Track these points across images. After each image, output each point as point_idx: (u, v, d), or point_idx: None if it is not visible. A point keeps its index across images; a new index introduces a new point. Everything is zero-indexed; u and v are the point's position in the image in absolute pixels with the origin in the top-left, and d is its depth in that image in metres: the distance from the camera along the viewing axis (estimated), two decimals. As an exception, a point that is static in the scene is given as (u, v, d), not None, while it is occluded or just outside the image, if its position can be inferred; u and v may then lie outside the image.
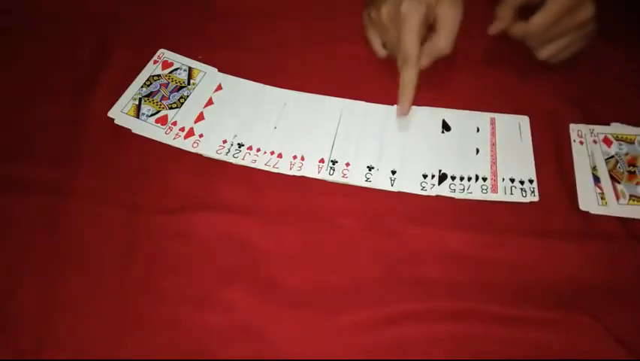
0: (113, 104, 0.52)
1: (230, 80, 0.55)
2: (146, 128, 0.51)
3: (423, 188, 0.48)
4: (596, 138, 0.51)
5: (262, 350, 0.40)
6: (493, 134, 0.51)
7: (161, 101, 0.53)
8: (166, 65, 0.56)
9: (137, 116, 0.52)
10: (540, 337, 0.40)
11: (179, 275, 0.43)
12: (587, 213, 0.46)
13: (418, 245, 0.45)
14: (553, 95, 0.54)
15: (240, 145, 0.50)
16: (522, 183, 0.48)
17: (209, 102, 0.53)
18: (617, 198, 0.47)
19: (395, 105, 0.51)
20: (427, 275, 0.43)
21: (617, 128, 0.51)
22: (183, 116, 0.52)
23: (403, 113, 0.50)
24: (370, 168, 0.49)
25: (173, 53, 0.57)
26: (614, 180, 0.48)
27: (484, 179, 0.48)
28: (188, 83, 0.54)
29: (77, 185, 0.47)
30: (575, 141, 0.51)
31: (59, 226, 0.45)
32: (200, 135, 0.51)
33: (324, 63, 0.56)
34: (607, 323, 0.40)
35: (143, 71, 0.55)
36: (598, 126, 0.51)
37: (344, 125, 0.52)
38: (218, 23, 0.59)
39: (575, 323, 0.40)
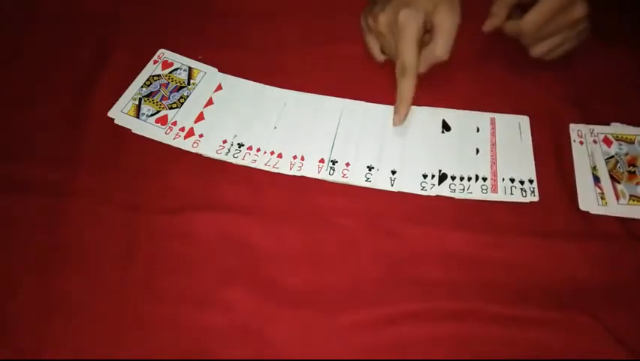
0: (113, 104, 0.52)
1: (230, 80, 0.55)
2: (146, 128, 0.51)
3: (423, 188, 0.48)
4: (596, 138, 0.51)
5: (262, 350, 0.40)
6: (493, 134, 0.51)
7: (161, 101, 0.53)
8: (166, 65, 0.56)
9: (137, 116, 0.52)
10: (540, 337, 0.40)
11: (179, 275, 0.43)
12: (587, 213, 0.46)
13: (418, 245, 0.45)
14: (553, 95, 0.54)
15: (240, 145, 0.50)
16: (522, 183, 0.48)
17: (209, 102, 0.53)
18: (617, 198, 0.47)
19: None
20: (427, 275, 0.43)
21: (617, 128, 0.51)
22: (183, 116, 0.52)
23: (399, 122, 0.50)
24: (370, 168, 0.49)
25: (173, 53, 0.57)
26: (614, 180, 0.48)
27: (484, 179, 0.48)
28: (188, 83, 0.54)
29: (77, 185, 0.47)
30: (575, 141, 0.51)
31: (59, 225, 0.45)
32: (200, 135, 0.51)
33: (324, 63, 0.56)
34: (607, 323, 0.40)
35: (143, 71, 0.55)
36: (598, 126, 0.51)
37: (344, 125, 0.52)
38: (218, 23, 0.59)
39: (575, 323, 0.40)
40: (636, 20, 0.55)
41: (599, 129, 0.51)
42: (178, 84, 0.54)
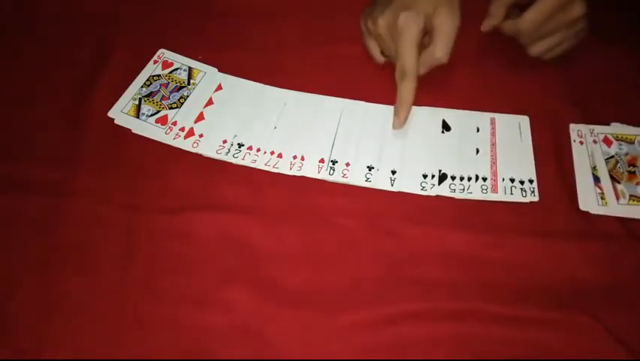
0: (113, 104, 0.52)
1: (230, 80, 0.55)
2: (146, 128, 0.51)
3: (423, 188, 0.48)
4: (596, 138, 0.51)
5: (262, 350, 0.40)
6: (493, 134, 0.51)
7: (161, 101, 0.53)
8: (166, 65, 0.56)
9: (137, 116, 0.52)
10: (540, 337, 0.40)
11: (179, 275, 0.43)
12: (587, 213, 0.46)
13: (418, 245, 0.45)
14: (553, 95, 0.54)
15: (240, 145, 0.50)
16: (522, 183, 0.48)
17: (209, 102, 0.53)
18: (617, 198, 0.47)
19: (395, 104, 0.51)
20: (427, 275, 0.43)
21: (617, 128, 0.51)
22: (183, 116, 0.52)
23: (400, 126, 0.50)
24: (370, 168, 0.49)
25: (173, 53, 0.57)
26: (614, 180, 0.48)
27: (484, 179, 0.48)
28: (188, 83, 0.54)
29: (77, 185, 0.47)
30: (575, 141, 0.51)
31: (59, 225, 0.45)
32: (200, 135, 0.51)
33: (324, 63, 0.56)
34: (607, 323, 0.40)
35: (143, 71, 0.55)
36: (598, 126, 0.51)
37: (344, 125, 0.52)
38: (218, 23, 0.59)
39: (575, 323, 0.40)
40: (634, 19, 0.55)
41: (599, 129, 0.51)
42: (178, 84, 0.54)
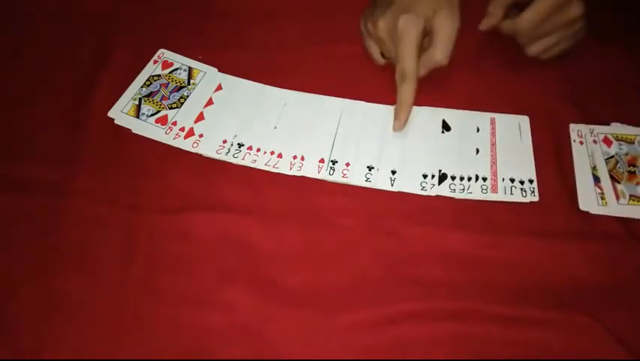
0: (113, 104, 0.52)
1: (230, 80, 0.55)
2: (146, 128, 0.51)
3: (423, 188, 0.48)
4: (596, 138, 0.51)
5: (262, 350, 0.40)
6: (493, 134, 0.51)
7: (161, 101, 0.53)
8: (166, 65, 0.56)
9: (137, 116, 0.52)
10: (540, 337, 0.40)
11: (179, 275, 0.43)
12: (587, 213, 0.46)
13: (418, 245, 0.45)
14: (553, 95, 0.54)
15: (240, 145, 0.50)
16: (522, 183, 0.48)
17: (209, 102, 0.53)
18: (617, 198, 0.47)
19: (395, 105, 0.51)
20: (427, 275, 0.43)
21: (617, 128, 0.51)
22: (183, 116, 0.52)
23: (400, 128, 0.50)
24: (370, 168, 0.49)
25: (173, 53, 0.57)
26: (614, 180, 0.48)
27: (484, 179, 0.48)
28: (188, 83, 0.54)
29: (77, 185, 0.47)
30: (575, 141, 0.51)
31: (59, 225, 0.45)
32: (200, 135, 0.51)
33: (324, 63, 0.56)
34: (607, 323, 0.40)
35: (143, 71, 0.55)
36: (598, 126, 0.51)
37: (344, 125, 0.52)
38: (218, 23, 0.59)
39: (575, 323, 0.40)
40: (633, 19, 0.55)
41: (599, 129, 0.51)
42: (178, 84, 0.54)
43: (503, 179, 0.48)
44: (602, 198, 0.47)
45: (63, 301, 0.41)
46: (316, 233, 0.45)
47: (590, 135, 0.51)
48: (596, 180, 0.48)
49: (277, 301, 0.42)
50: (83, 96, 0.53)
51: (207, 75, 0.55)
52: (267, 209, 0.46)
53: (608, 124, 0.52)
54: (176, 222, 0.45)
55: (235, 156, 0.50)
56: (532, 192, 0.47)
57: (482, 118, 0.52)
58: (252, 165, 0.49)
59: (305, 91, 0.54)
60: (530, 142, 0.50)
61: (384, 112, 0.52)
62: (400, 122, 0.50)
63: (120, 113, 0.52)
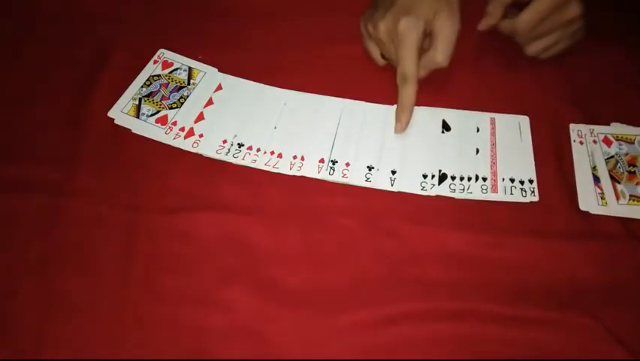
0: (113, 104, 0.52)
1: (230, 80, 0.55)
2: (146, 128, 0.51)
3: (423, 188, 0.48)
4: (596, 138, 0.51)
5: (262, 350, 0.40)
6: (493, 134, 0.51)
7: (161, 101, 0.53)
8: (166, 65, 0.56)
9: (137, 116, 0.52)
10: (540, 337, 0.40)
11: (179, 275, 0.43)
12: (587, 213, 0.46)
13: (418, 245, 0.45)
14: (553, 95, 0.54)
15: (240, 145, 0.50)
16: (522, 183, 0.48)
17: (209, 102, 0.53)
18: (617, 198, 0.47)
19: (395, 105, 0.51)
20: (427, 275, 0.43)
21: (617, 128, 0.51)
22: (183, 116, 0.52)
23: (401, 130, 0.50)
24: (370, 168, 0.49)
25: (173, 53, 0.57)
26: (614, 180, 0.48)
27: (484, 179, 0.48)
28: (188, 83, 0.54)
29: (77, 185, 0.47)
30: (575, 141, 0.51)
31: (59, 225, 0.45)
32: (200, 135, 0.51)
33: (324, 63, 0.56)
34: (607, 323, 0.40)
35: (143, 71, 0.55)
36: (598, 126, 0.51)
37: (344, 125, 0.52)
38: (218, 23, 0.59)
39: (575, 323, 0.40)
40: (633, 20, 0.55)
41: (599, 129, 0.51)
42: (178, 84, 0.54)
43: (503, 179, 0.48)
44: (602, 198, 0.47)
45: (63, 301, 0.41)
46: (316, 233, 0.45)
47: (590, 135, 0.51)
48: (596, 180, 0.48)
49: (277, 301, 0.42)
50: (83, 96, 0.53)
51: (207, 75, 0.55)
52: (267, 209, 0.46)
53: (608, 124, 0.52)
54: (176, 222, 0.45)
55: (235, 156, 0.50)
56: (532, 192, 0.47)
57: (482, 118, 0.52)
58: (252, 165, 0.49)
59: (305, 91, 0.54)
60: (530, 142, 0.50)
61: (384, 112, 0.52)
62: (402, 125, 0.50)
63: (120, 113, 0.52)
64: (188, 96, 0.53)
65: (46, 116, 0.52)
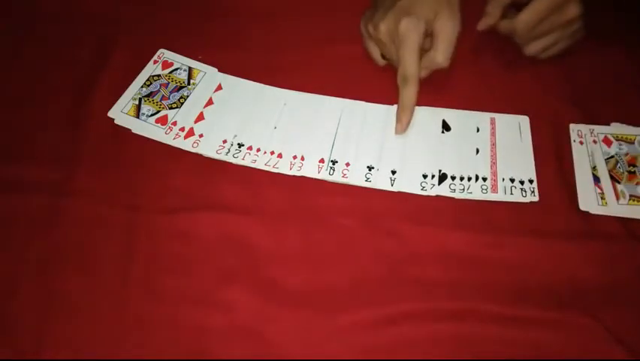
0: (113, 104, 0.52)
1: (230, 80, 0.55)
2: (146, 128, 0.51)
3: (423, 188, 0.48)
4: (596, 138, 0.51)
5: (262, 350, 0.40)
6: (493, 134, 0.51)
7: (161, 101, 0.53)
8: (166, 65, 0.56)
9: (137, 116, 0.52)
10: (540, 337, 0.40)
11: (179, 275, 0.43)
12: (587, 213, 0.46)
13: (418, 245, 0.45)
14: (553, 95, 0.54)
15: (240, 145, 0.50)
16: (522, 183, 0.48)
17: (209, 102, 0.53)
18: (617, 198, 0.47)
19: (395, 105, 0.51)
20: (427, 275, 0.43)
21: (617, 128, 0.51)
22: (183, 116, 0.52)
23: (402, 131, 0.50)
24: (370, 168, 0.49)
25: (173, 53, 0.57)
26: (614, 180, 0.48)
27: (484, 179, 0.48)
28: (188, 83, 0.54)
29: (77, 185, 0.47)
30: (575, 141, 0.51)
31: (59, 225, 0.45)
32: (200, 135, 0.51)
33: (324, 63, 0.56)
34: (607, 323, 0.40)
35: (143, 71, 0.55)
36: (598, 126, 0.51)
37: (344, 125, 0.52)
38: (218, 23, 0.59)
39: (575, 323, 0.40)
40: (633, 20, 0.55)
41: (599, 129, 0.51)
42: (178, 84, 0.54)
43: (503, 179, 0.48)
44: (602, 198, 0.47)
45: (63, 301, 0.41)
46: (316, 233, 0.45)
47: (590, 135, 0.51)
48: (596, 180, 0.48)
49: (277, 301, 0.42)
50: (83, 96, 0.53)
51: (207, 75, 0.55)
52: (267, 209, 0.46)
53: (608, 124, 0.52)
54: (176, 222, 0.45)
55: (235, 156, 0.50)
56: (532, 192, 0.47)
57: (482, 118, 0.52)
58: (252, 165, 0.49)
59: (305, 91, 0.54)
60: (530, 142, 0.50)
61: (384, 112, 0.52)
62: (403, 125, 0.50)
63: (120, 113, 0.52)
64: (188, 96, 0.53)
65: (46, 116, 0.52)
